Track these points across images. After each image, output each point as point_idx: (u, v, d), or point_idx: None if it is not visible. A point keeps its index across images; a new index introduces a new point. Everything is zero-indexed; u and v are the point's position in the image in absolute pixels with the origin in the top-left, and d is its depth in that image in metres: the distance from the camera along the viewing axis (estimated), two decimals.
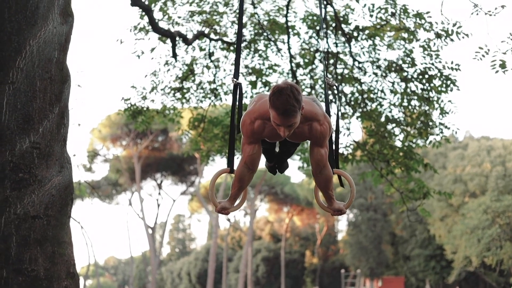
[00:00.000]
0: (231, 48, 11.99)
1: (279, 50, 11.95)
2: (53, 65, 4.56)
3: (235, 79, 4.50)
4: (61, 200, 4.44)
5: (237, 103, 4.49)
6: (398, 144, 10.97)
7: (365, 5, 10.55)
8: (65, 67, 4.71)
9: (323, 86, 11.75)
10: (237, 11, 11.65)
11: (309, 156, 4.23)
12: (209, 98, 12.28)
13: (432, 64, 10.23)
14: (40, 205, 4.29)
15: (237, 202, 4.43)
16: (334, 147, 4.68)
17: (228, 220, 69.04)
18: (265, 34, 11.76)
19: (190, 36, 11.55)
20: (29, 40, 4.41)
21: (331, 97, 11.45)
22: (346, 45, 11.17)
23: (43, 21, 4.52)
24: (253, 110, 4.11)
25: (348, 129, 11.38)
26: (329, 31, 11.27)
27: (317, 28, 11.41)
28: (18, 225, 4.17)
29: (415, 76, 10.48)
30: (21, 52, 4.37)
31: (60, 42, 4.65)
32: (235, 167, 4.33)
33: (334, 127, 4.49)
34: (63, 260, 4.38)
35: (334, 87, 4.98)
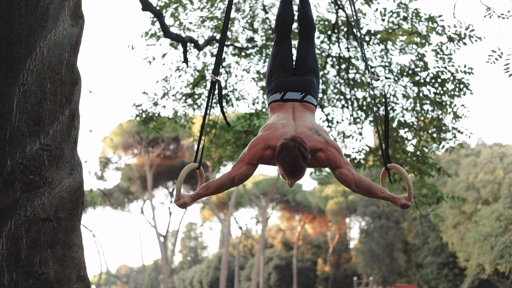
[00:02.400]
0: (243, 53, 11.97)
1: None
2: (64, 67, 4.53)
3: (214, 75, 4.48)
4: (71, 202, 4.41)
5: (212, 100, 4.49)
6: (411, 149, 10.90)
7: (377, 9, 10.50)
8: (75, 69, 4.68)
9: (335, 91, 11.72)
10: (248, 15, 11.63)
11: (336, 178, 4.25)
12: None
13: (445, 67, 10.15)
14: (51, 208, 4.25)
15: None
16: (384, 143, 4.68)
17: (240, 228, 69.10)
18: None
19: (201, 42, 11.53)
20: (39, 42, 4.38)
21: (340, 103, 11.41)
22: (358, 49, 11.11)
23: (54, 22, 4.49)
24: (270, 137, 4.12)
25: (361, 134, 11.33)
26: (340, 36, 11.23)
27: (329, 33, 11.36)
28: (28, 227, 4.14)
29: (427, 80, 10.41)
30: (31, 53, 4.33)
31: (70, 44, 4.61)
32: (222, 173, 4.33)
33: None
34: (73, 263, 4.34)
35: (379, 80, 4.99)
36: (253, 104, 12.25)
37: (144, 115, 11.76)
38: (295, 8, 5.27)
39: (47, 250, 4.18)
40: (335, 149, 4.16)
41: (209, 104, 4.49)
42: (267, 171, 63.48)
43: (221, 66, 11.74)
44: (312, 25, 5.14)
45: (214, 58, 12.00)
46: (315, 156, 4.11)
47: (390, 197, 4.37)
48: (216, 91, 4.54)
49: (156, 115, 11.85)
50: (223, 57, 11.79)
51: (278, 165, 3.89)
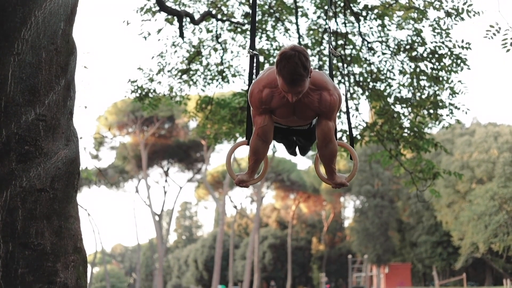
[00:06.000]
0: (239, 29, 11.90)
1: (287, 30, 11.83)
2: (59, 36, 4.47)
3: (251, 50, 4.43)
4: (67, 173, 4.36)
5: (253, 73, 4.42)
6: (408, 124, 10.88)
7: None
8: (71, 39, 4.62)
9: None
10: None
11: (316, 129, 4.13)
12: (217, 80, 12.20)
13: (442, 43, 10.10)
14: (47, 178, 4.21)
15: (257, 174, 4.36)
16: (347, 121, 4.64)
17: (235, 207, 69.23)
18: (276, 15, 11.61)
19: (197, 17, 11.45)
20: (34, 11, 4.32)
21: (340, 77, 11.37)
22: (355, 24, 11.05)
23: None
24: (261, 78, 4.04)
25: (357, 109, 11.30)
26: (337, 11, 11.15)
27: (325, 7, 11.29)
28: (24, 198, 4.09)
29: (424, 55, 10.36)
30: (26, 22, 4.28)
31: (66, 13, 4.55)
32: None
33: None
34: (70, 234, 4.31)
35: (340, 58, 4.94)
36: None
37: (139, 91, 11.70)
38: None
39: (43, 221, 4.14)
40: (339, 99, 4.08)
41: (251, 77, 4.42)
42: None
43: (218, 42, 11.76)
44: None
45: (210, 34, 11.94)
46: (320, 95, 3.98)
47: (334, 173, 4.33)
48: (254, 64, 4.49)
49: (152, 91, 11.79)
50: (219, 33, 11.73)
51: (278, 77, 3.71)
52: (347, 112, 4.94)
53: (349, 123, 4.83)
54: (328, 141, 4.13)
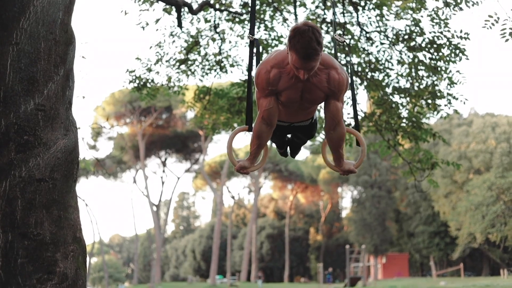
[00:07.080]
0: (237, 19, 11.89)
1: (285, 20, 11.82)
2: (58, 26, 4.46)
3: (251, 35, 4.41)
4: (67, 163, 4.35)
5: (253, 59, 4.39)
6: (406, 114, 10.89)
7: None
8: (69, 28, 4.61)
9: (332, 52, 11.66)
10: None
11: (324, 111, 4.10)
12: (215, 70, 12.19)
13: (441, 33, 10.09)
14: (46, 168, 4.20)
15: (258, 161, 4.35)
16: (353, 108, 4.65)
17: (233, 197, 69.36)
18: (274, 5, 11.59)
19: (195, 7, 11.43)
20: (33, 0, 4.31)
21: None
22: (353, 14, 11.03)
23: None
24: (268, 59, 4.00)
25: (355, 99, 11.26)
26: (336, 0, 11.13)
27: None
28: (23, 188, 4.08)
29: (423, 45, 10.36)
30: (25, 12, 4.26)
31: (64, 2, 4.54)
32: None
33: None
34: (69, 224, 4.30)
35: (344, 44, 4.91)
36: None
37: (137, 82, 11.70)
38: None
39: (43, 211, 4.14)
40: (346, 78, 4.05)
41: (251, 63, 4.40)
42: None
43: (216, 32, 11.74)
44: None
45: (208, 24, 11.93)
46: (329, 74, 3.93)
47: (342, 159, 4.34)
48: (254, 50, 4.46)
49: (150, 81, 11.79)
50: (217, 23, 11.70)
51: (291, 53, 3.66)
52: (353, 98, 4.94)
53: (355, 107, 4.82)
54: (336, 123, 4.11)
